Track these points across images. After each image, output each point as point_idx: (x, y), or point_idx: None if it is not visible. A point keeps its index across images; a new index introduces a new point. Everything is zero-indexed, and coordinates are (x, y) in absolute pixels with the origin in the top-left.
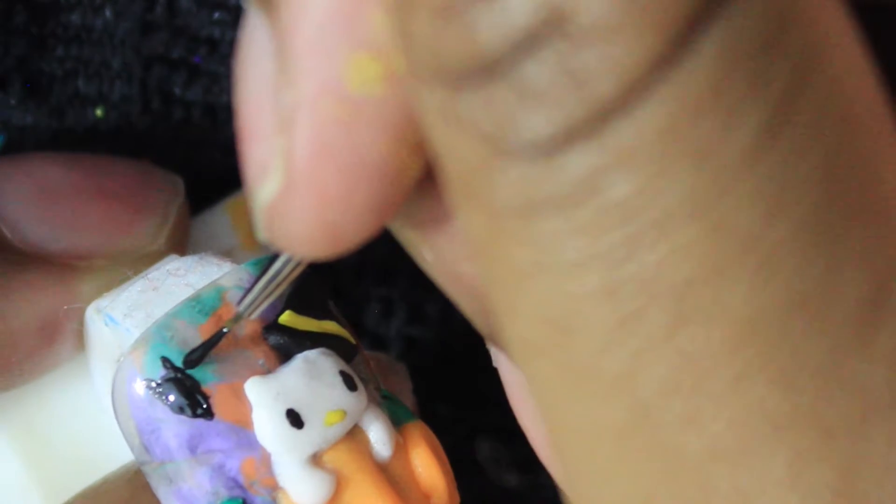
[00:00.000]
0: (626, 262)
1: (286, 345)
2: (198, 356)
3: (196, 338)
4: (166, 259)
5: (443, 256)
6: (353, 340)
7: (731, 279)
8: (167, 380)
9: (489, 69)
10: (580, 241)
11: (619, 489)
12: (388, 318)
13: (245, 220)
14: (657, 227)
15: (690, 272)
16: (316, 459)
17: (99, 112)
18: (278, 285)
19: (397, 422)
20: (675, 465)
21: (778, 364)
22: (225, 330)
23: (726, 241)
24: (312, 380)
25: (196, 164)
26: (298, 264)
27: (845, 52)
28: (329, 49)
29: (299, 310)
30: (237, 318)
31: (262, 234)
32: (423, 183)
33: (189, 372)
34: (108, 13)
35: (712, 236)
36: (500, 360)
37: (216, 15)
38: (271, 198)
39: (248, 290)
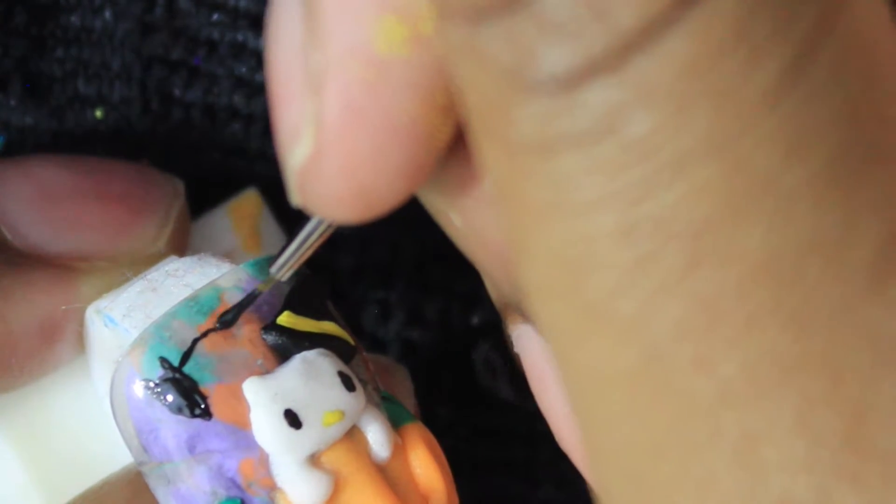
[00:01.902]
0: (643, 202)
1: (285, 345)
2: (231, 317)
3: (194, 338)
4: (165, 260)
5: (471, 222)
6: (351, 341)
7: (748, 220)
8: (165, 380)
9: (510, 2)
10: (597, 179)
11: (629, 435)
12: (386, 321)
13: (246, 222)
14: (675, 165)
15: (707, 212)
16: (314, 460)
17: (98, 113)
18: (310, 247)
19: (396, 423)
20: (684, 409)
21: (790, 307)
22: (258, 291)
23: (744, 182)
24: (311, 380)
25: (195, 166)
26: (329, 226)
27: None
28: (356, 11)
29: (298, 310)
30: (269, 280)
31: (295, 197)
32: (453, 147)
33: (187, 372)
34: (107, 14)
35: (731, 176)
36: (521, 342)
37: (215, 16)
38: (303, 161)
39: (281, 252)
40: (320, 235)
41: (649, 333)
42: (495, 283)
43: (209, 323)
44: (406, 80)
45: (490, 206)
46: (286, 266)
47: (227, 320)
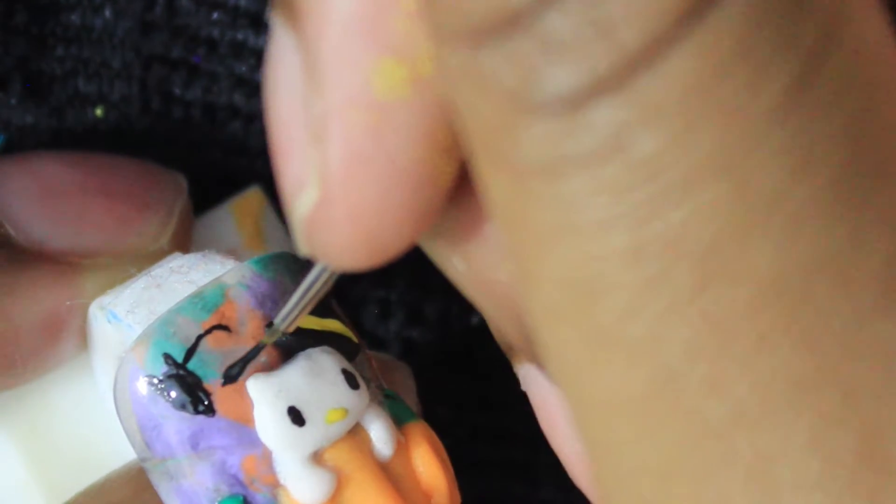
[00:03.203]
0: (651, 222)
1: (288, 343)
2: (237, 371)
3: (198, 334)
4: (170, 256)
5: (475, 265)
6: (355, 339)
7: (757, 238)
8: (169, 376)
9: (512, 22)
10: (605, 199)
11: (639, 459)
12: (386, 320)
13: (249, 220)
14: (683, 184)
15: (716, 231)
16: (317, 457)
17: (99, 112)
18: (314, 296)
19: (399, 421)
20: (697, 431)
21: (801, 325)
22: (263, 343)
23: (752, 200)
24: (314, 378)
25: (195, 164)
26: (333, 274)
27: (870, 15)
28: (354, 56)
29: None
30: (274, 331)
31: (302, 246)
32: (454, 192)
33: (191, 368)
34: (107, 13)
35: (738, 194)
36: (529, 381)
37: (215, 15)
38: (309, 210)
39: (285, 303)
40: (324, 283)
41: (660, 355)
42: (501, 328)
43: (213, 319)
44: (408, 123)
45: (494, 250)
46: (290, 317)
47: (233, 375)
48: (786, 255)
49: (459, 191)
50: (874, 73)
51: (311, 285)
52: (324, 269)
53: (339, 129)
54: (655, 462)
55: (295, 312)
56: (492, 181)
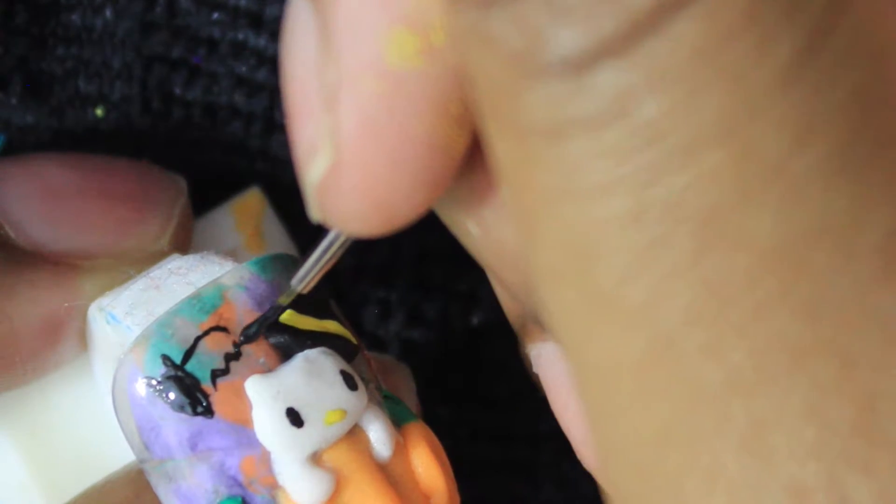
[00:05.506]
0: (652, 186)
1: (287, 343)
2: (255, 331)
3: (196, 336)
4: (168, 258)
5: (488, 232)
6: (354, 340)
7: (757, 205)
8: (167, 378)
9: None
10: (607, 163)
11: (636, 423)
12: (386, 321)
13: (249, 221)
14: (685, 149)
15: (717, 197)
16: (316, 458)
17: (99, 112)
18: (329, 260)
19: (398, 422)
20: (693, 395)
21: (800, 294)
22: (280, 304)
23: (754, 167)
24: (313, 379)
25: (196, 164)
26: (348, 238)
27: None
28: (368, 25)
29: (300, 309)
30: (290, 293)
31: (314, 212)
32: (469, 158)
33: (189, 370)
34: (108, 13)
35: (740, 161)
36: (540, 361)
37: (216, 15)
38: (321, 176)
39: (301, 266)
40: (339, 247)
41: (658, 319)
42: (513, 294)
43: (211, 321)
44: (420, 92)
45: (507, 215)
46: (307, 279)
47: (250, 334)
48: (786, 223)
49: (472, 158)
50: (880, 43)
51: (328, 248)
52: (339, 233)
53: (351, 97)
54: (651, 427)
55: (312, 274)
56: (498, 143)
